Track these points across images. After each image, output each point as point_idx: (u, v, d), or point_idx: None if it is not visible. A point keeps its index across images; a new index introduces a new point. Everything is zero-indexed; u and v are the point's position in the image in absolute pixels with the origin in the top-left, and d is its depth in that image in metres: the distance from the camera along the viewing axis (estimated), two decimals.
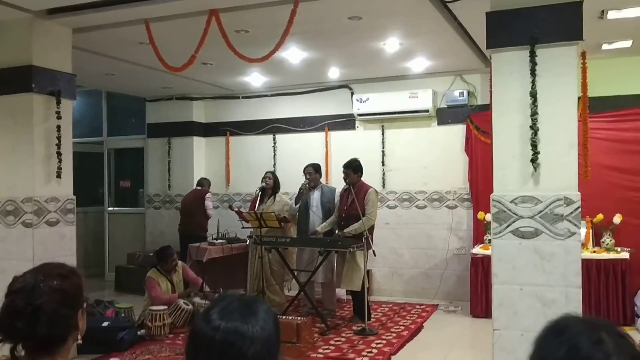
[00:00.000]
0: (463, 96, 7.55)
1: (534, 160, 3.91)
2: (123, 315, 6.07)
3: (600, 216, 6.56)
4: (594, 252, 6.46)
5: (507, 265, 4.01)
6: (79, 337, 1.74)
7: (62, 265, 1.76)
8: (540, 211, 3.93)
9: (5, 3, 4.77)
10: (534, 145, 3.91)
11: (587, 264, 6.27)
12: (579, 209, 3.88)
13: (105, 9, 4.93)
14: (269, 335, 1.30)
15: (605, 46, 6.29)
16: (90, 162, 9.83)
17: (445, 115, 7.71)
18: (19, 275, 1.68)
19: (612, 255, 6.34)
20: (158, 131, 9.11)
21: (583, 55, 4.49)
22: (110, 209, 9.85)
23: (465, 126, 7.56)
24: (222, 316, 1.28)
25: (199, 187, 8.15)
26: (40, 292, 1.62)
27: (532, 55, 3.90)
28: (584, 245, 6.60)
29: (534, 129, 3.91)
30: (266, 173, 7.12)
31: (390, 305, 7.36)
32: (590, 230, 6.67)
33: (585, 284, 6.17)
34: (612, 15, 5.20)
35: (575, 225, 3.88)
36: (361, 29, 5.60)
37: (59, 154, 5.21)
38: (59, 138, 5.20)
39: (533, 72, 3.90)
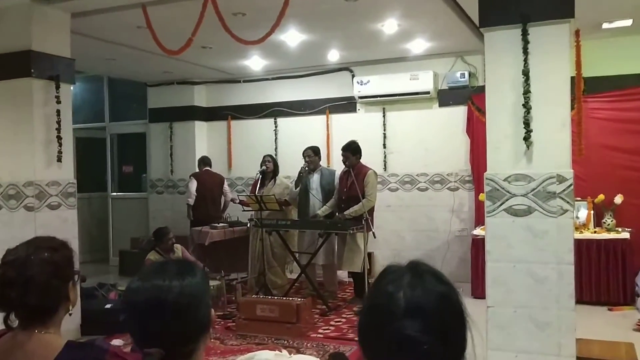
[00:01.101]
0: (464, 77, 7.53)
1: (526, 139, 3.91)
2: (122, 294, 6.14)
3: (601, 196, 6.55)
4: (595, 232, 6.47)
5: (500, 243, 4.03)
6: (71, 308, 1.79)
7: (53, 239, 1.81)
8: (533, 189, 3.93)
9: None
10: (527, 124, 3.90)
11: (587, 244, 6.30)
12: (572, 187, 3.88)
13: None
14: (191, 288, 1.41)
15: (605, 25, 6.24)
16: (93, 148, 9.93)
17: (447, 96, 7.69)
18: (12, 248, 1.74)
19: (612, 236, 6.34)
20: (160, 116, 9.16)
21: (577, 33, 4.47)
22: (114, 194, 9.95)
23: (466, 108, 7.55)
24: (141, 278, 1.43)
25: (208, 168, 8.10)
26: (31, 264, 1.68)
27: (524, 33, 3.88)
28: (585, 225, 6.61)
29: (527, 107, 3.90)
30: (265, 157, 7.15)
31: None
32: (592, 211, 6.67)
33: (586, 264, 6.24)
34: None
35: (568, 202, 3.88)
36: (358, 10, 5.59)
37: (59, 138, 5.26)
38: (58, 122, 5.24)
39: (525, 51, 3.89)
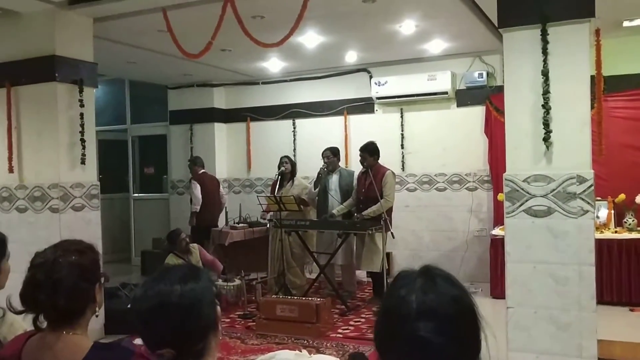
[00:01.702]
0: (482, 77, 7.51)
1: (546, 139, 3.91)
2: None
3: (622, 196, 6.48)
4: (616, 232, 6.41)
5: (520, 244, 4.03)
6: (97, 310, 1.85)
7: (80, 242, 1.87)
8: (553, 190, 3.92)
9: None
10: (546, 124, 3.90)
11: (608, 244, 6.24)
12: (592, 187, 3.87)
13: None
14: (193, 288, 1.47)
15: (626, 23, 6.19)
16: (115, 150, 10.05)
17: (465, 96, 7.68)
18: (40, 251, 1.80)
19: (634, 235, 6.28)
20: (180, 118, 9.26)
21: (597, 32, 4.44)
22: (136, 195, 10.08)
23: (484, 107, 7.52)
24: (143, 285, 1.50)
25: (205, 170, 8.03)
26: (59, 267, 1.73)
27: (544, 33, 3.88)
28: (605, 225, 6.56)
29: (546, 107, 3.90)
30: (282, 158, 7.19)
31: None
32: (612, 211, 6.61)
33: (607, 264, 6.19)
34: None
35: (589, 203, 3.87)
36: (376, 11, 5.60)
37: (82, 140, 5.36)
38: (82, 125, 5.34)
39: (545, 51, 3.88)
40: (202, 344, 1.49)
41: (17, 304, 1.79)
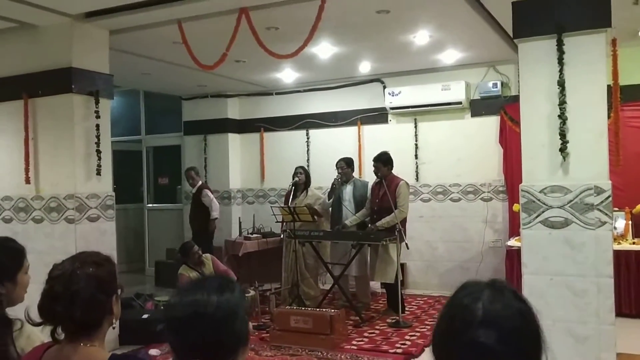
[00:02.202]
0: (496, 87, 7.48)
1: (562, 150, 3.88)
2: (162, 307, 6.25)
3: (639, 207, 6.41)
4: (634, 243, 6.33)
5: (536, 255, 4.00)
6: (114, 321, 1.84)
7: (97, 254, 1.87)
8: (570, 201, 3.89)
9: (46, 8, 4.97)
10: (563, 135, 3.88)
11: (626, 255, 6.16)
12: (610, 198, 3.83)
13: (140, 11, 5.06)
14: (228, 301, 1.46)
15: None
16: (130, 160, 10.13)
17: (479, 106, 7.65)
18: (58, 263, 1.80)
19: None
20: (194, 128, 9.32)
21: (613, 42, 4.41)
22: (150, 205, 10.13)
23: (499, 117, 7.48)
24: (179, 294, 1.49)
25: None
26: (77, 279, 1.73)
27: (560, 44, 3.87)
28: (623, 236, 6.48)
29: (563, 118, 3.88)
30: (297, 168, 7.20)
31: (425, 299, 7.36)
32: (630, 221, 6.53)
33: (625, 276, 6.10)
34: None
35: (607, 214, 3.83)
36: (390, 22, 5.61)
37: (98, 152, 5.39)
38: (98, 137, 5.38)
39: (560, 61, 3.87)
40: (232, 358, 1.47)
41: (35, 315, 1.79)
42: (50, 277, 1.76)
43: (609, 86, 4.15)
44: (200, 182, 8.07)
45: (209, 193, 7.99)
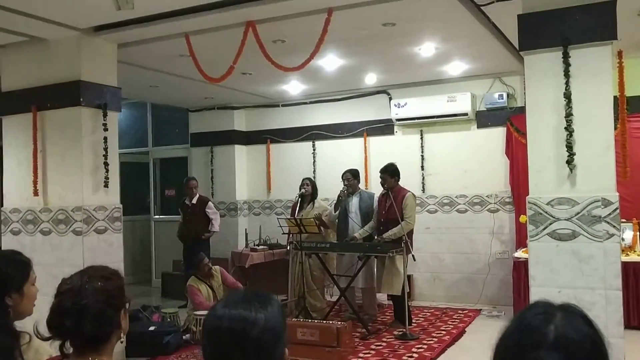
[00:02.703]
0: (502, 98, 7.48)
1: (569, 162, 3.87)
2: (169, 320, 6.27)
3: None
4: None
5: (544, 267, 3.97)
6: (122, 336, 1.84)
7: (106, 268, 1.88)
8: (578, 213, 3.88)
9: (56, 22, 5.03)
10: (570, 147, 3.87)
11: (634, 267, 6.12)
12: (618, 210, 3.81)
13: (148, 24, 5.11)
14: (274, 323, 1.40)
15: None
16: (137, 172, 10.18)
17: (485, 118, 7.65)
18: (67, 277, 1.81)
19: None
20: (201, 140, 9.36)
21: (619, 54, 4.42)
22: (157, 217, 10.15)
23: (505, 129, 7.48)
24: (226, 305, 1.42)
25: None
26: (85, 293, 1.74)
27: (565, 56, 3.87)
28: (631, 248, 6.44)
29: (569, 130, 3.87)
30: (304, 180, 7.21)
31: (432, 310, 7.33)
32: (638, 233, 6.49)
33: (633, 288, 6.06)
34: None
35: (614, 226, 3.81)
36: (396, 35, 5.64)
37: (106, 164, 5.42)
38: (105, 149, 5.42)
39: (567, 73, 3.87)
40: None
41: (44, 330, 1.80)
42: (59, 292, 1.76)
43: (615, 97, 4.14)
44: (198, 194, 8.06)
45: (213, 206, 8.02)
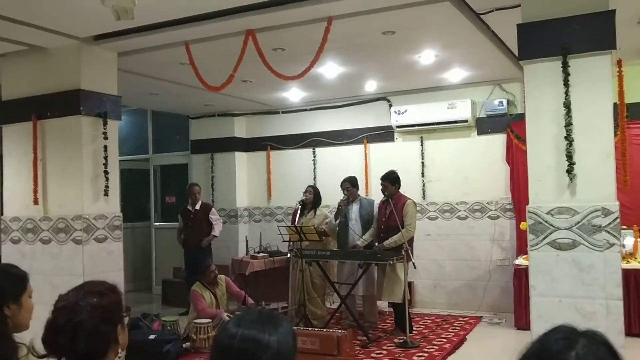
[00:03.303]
0: (502, 105, 7.49)
1: (569, 171, 3.86)
2: (169, 328, 6.25)
3: None
4: None
5: (545, 277, 3.95)
6: (120, 351, 1.82)
7: (103, 283, 1.86)
8: (578, 222, 3.86)
9: (56, 31, 5.04)
10: (569, 156, 3.85)
11: (635, 274, 6.11)
12: (618, 220, 3.80)
13: (148, 33, 5.11)
14: (285, 347, 1.40)
15: None
16: (137, 179, 10.18)
17: (485, 125, 7.65)
18: (64, 293, 1.80)
19: None
20: (201, 147, 9.36)
21: (619, 63, 4.41)
22: (157, 224, 10.15)
23: (505, 135, 7.48)
24: (240, 324, 1.41)
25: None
26: (80, 310, 1.72)
27: (565, 65, 3.86)
28: (632, 255, 6.43)
29: (569, 139, 3.85)
30: (307, 187, 7.23)
31: (433, 318, 7.31)
32: (638, 239, 6.48)
33: (634, 295, 6.05)
34: None
35: (615, 236, 3.80)
36: (395, 43, 5.64)
37: (106, 172, 5.42)
38: (106, 158, 5.42)
39: (566, 83, 3.85)
40: None
41: (40, 346, 1.79)
42: (55, 308, 1.76)
43: (615, 104, 4.13)
44: (201, 200, 8.07)
45: (216, 212, 8.05)
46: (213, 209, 8.05)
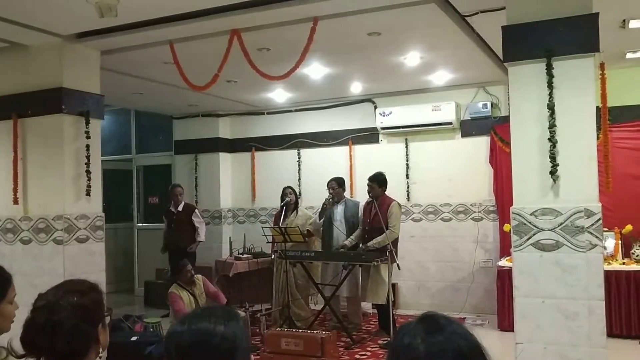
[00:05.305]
0: (486, 108, 7.53)
1: (553, 173, 3.87)
2: (151, 329, 6.18)
3: (629, 227, 6.44)
4: (624, 263, 6.34)
5: (528, 278, 3.96)
6: (101, 351, 1.79)
7: (83, 282, 1.84)
8: (561, 223, 3.88)
9: (37, 28, 4.95)
10: (553, 158, 3.87)
11: (616, 275, 6.16)
12: (600, 221, 3.83)
13: (132, 31, 5.05)
14: (234, 336, 1.47)
15: (629, 55, 6.24)
16: (120, 179, 10.08)
17: (469, 127, 7.69)
18: (43, 292, 1.77)
19: None
20: (185, 148, 9.29)
21: (602, 66, 4.45)
22: (140, 224, 10.05)
23: (489, 138, 7.52)
24: (184, 322, 1.48)
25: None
26: (59, 309, 1.70)
27: (549, 68, 3.87)
28: (613, 257, 6.49)
29: (553, 141, 3.87)
30: (285, 189, 7.19)
31: None
32: (620, 242, 6.55)
33: (615, 297, 6.10)
34: (633, 24, 5.17)
35: (597, 237, 3.82)
36: (381, 44, 5.64)
37: (88, 172, 5.33)
38: (88, 157, 5.33)
39: (550, 85, 3.87)
40: None
41: (19, 346, 1.76)
42: (34, 308, 1.73)
43: (597, 108, 4.17)
44: (184, 202, 8.01)
45: (199, 214, 7.98)
46: (196, 211, 7.98)
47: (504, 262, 6.75)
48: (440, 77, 7.12)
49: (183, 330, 1.46)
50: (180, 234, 7.78)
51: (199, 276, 6.41)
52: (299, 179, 8.62)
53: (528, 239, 3.97)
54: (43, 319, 1.68)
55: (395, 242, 6.41)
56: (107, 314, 1.84)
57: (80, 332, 1.71)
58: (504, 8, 4.19)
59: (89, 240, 5.38)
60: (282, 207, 7.11)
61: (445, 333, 1.16)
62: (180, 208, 7.88)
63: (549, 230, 3.91)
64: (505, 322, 6.52)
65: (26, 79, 5.38)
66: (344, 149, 8.40)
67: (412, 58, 6.21)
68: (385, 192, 6.61)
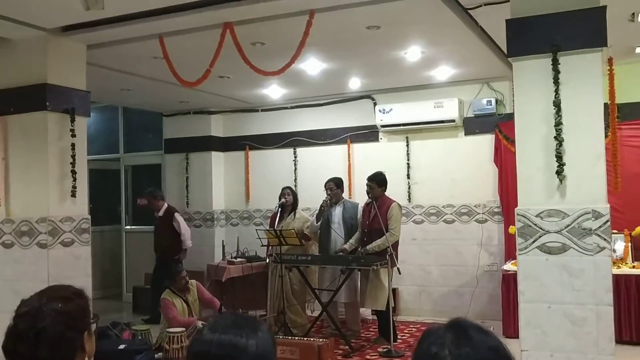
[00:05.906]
0: (491, 105, 7.34)
1: (559, 172, 3.75)
2: (140, 337, 6.02)
3: (639, 229, 6.25)
4: (634, 267, 6.17)
5: (533, 282, 3.85)
6: (87, 358, 1.76)
7: (68, 288, 1.81)
8: (568, 225, 3.75)
9: (20, 21, 4.81)
10: (559, 157, 3.74)
11: (626, 280, 6.00)
12: (609, 223, 3.70)
13: (119, 25, 4.92)
14: (265, 351, 1.38)
15: (639, 50, 6.13)
16: (107, 180, 9.91)
17: (473, 124, 7.50)
18: (26, 298, 1.73)
19: None
20: (175, 146, 9.11)
21: (610, 61, 4.28)
22: (128, 227, 9.84)
23: (493, 136, 7.34)
24: (215, 330, 1.39)
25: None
26: (43, 316, 1.66)
27: (555, 63, 3.74)
28: (622, 260, 6.32)
29: (559, 139, 3.74)
30: (284, 189, 7.03)
31: (419, 326, 7.12)
32: (630, 244, 6.36)
33: (625, 301, 5.91)
34: None
35: (605, 239, 3.70)
36: (380, 38, 5.51)
37: (73, 172, 5.18)
38: (73, 157, 5.17)
39: (556, 81, 3.74)
40: None
41: (0, 355, 1.72)
42: (16, 315, 1.70)
43: (606, 104, 4.03)
44: (166, 205, 7.82)
45: (180, 218, 7.73)
46: (176, 214, 7.74)
47: (509, 266, 6.55)
48: (443, 72, 6.95)
49: (212, 340, 1.37)
50: (161, 240, 7.64)
51: (193, 282, 6.29)
52: (295, 179, 8.45)
53: (533, 242, 3.87)
54: (26, 326, 1.65)
55: (395, 245, 6.25)
56: (93, 321, 1.81)
57: (64, 340, 1.67)
58: (508, 0, 4.08)
59: (74, 243, 5.21)
60: (277, 208, 6.91)
61: (475, 346, 1.13)
62: (161, 213, 7.73)
63: (555, 232, 3.81)
64: (511, 329, 6.32)
65: (8, 74, 5.23)
66: (342, 148, 8.23)
67: (413, 52, 6.05)
68: (385, 193, 6.46)
